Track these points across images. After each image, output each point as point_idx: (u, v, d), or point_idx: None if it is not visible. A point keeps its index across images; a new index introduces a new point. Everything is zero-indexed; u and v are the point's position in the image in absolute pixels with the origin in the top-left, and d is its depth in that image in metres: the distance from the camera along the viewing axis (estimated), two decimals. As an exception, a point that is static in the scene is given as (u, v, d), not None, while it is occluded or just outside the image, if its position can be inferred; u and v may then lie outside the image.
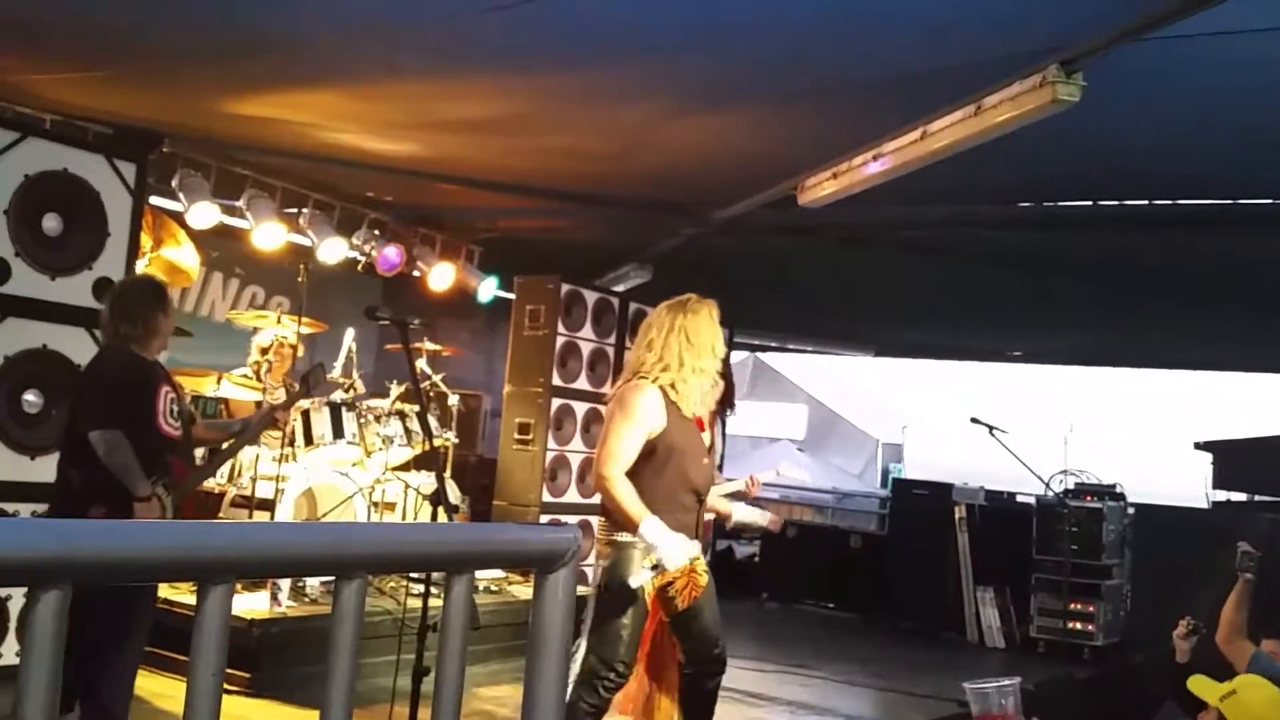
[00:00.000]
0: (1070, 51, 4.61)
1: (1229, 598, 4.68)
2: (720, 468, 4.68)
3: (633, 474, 4.04)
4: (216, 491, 6.98)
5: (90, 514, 4.10)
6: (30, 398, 5.33)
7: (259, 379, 7.40)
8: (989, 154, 5.43)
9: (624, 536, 4.04)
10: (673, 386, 4.10)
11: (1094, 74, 4.65)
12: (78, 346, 5.46)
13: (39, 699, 1.32)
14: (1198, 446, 9.53)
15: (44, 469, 5.34)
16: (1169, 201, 6.91)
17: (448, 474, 7.78)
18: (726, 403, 6.61)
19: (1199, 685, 4.35)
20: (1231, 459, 9.37)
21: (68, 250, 5.46)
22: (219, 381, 7.16)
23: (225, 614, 1.52)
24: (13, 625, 5.18)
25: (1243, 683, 4.25)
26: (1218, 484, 9.29)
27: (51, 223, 5.39)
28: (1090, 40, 4.52)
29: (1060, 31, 4.56)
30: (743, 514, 4.47)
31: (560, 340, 8.47)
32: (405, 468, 7.66)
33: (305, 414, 7.13)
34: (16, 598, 5.12)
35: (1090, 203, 7.14)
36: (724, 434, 9.84)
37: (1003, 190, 7.02)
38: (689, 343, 4.11)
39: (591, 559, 4.24)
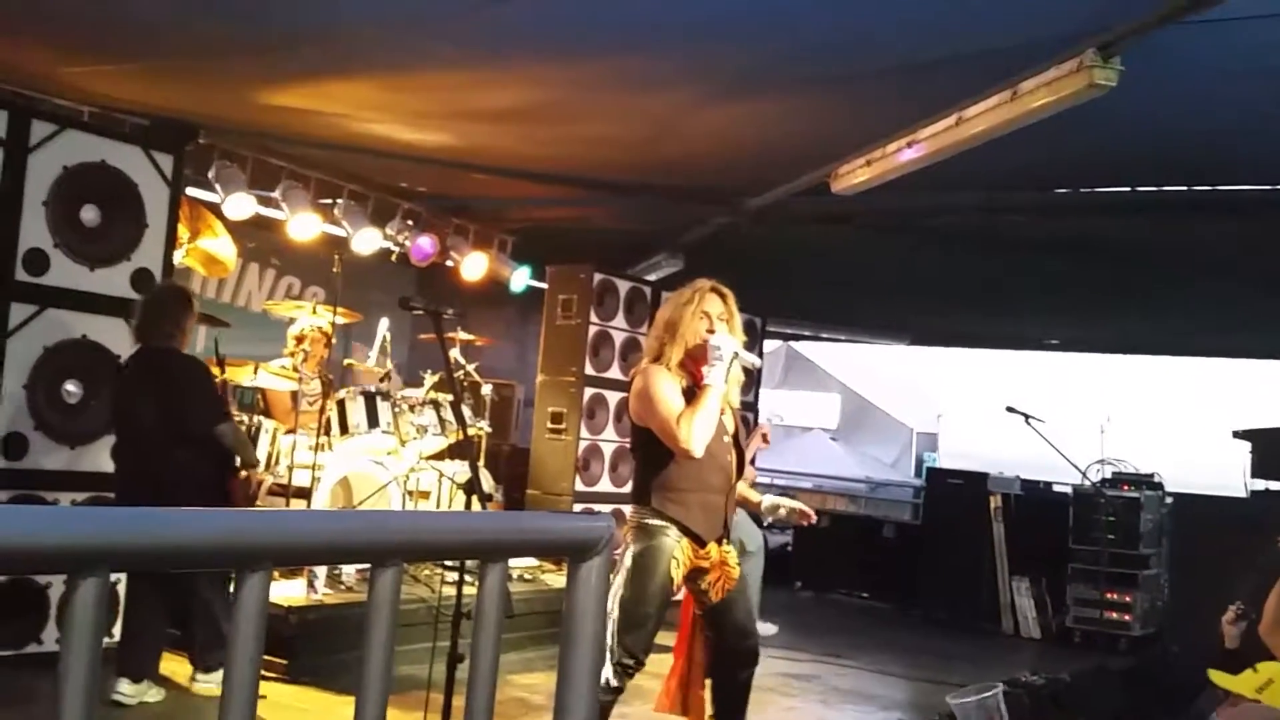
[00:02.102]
0: (1108, 35, 4.56)
1: (1273, 589, 4.61)
2: (752, 460, 4.77)
3: (656, 457, 4.05)
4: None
5: (234, 488, 5.15)
6: (70, 388, 5.39)
7: (295, 369, 7.45)
8: (1025, 140, 5.38)
9: (654, 521, 4.03)
10: (671, 367, 4.12)
11: (1132, 58, 4.60)
12: (117, 337, 5.52)
13: (79, 685, 1.34)
14: (1236, 435, 9.41)
15: (83, 458, 5.41)
16: (1208, 187, 6.82)
17: (481, 463, 7.81)
18: None
19: (1222, 679, 4.30)
20: (1271, 448, 9.24)
21: (106, 241, 5.51)
22: (255, 371, 7.21)
23: (263, 601, 1.53)
24: (53, 612, 5.25)
25: (1276, 672, 4.20)
26: (1257, 473, 9.16)
27: (90, 214, 5.44)
28: (1128, 24, 4.46)
29: (1097, 15, 4.51)
30: (772, 501, 4.46)
31: (593, 329, 8.47)
32: (439, 457, 7.69)
33: (341, 403, 7.17)
34: (56, 585, 5.18)
35: (1128, 189, 7.06)
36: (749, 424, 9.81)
37: (1039, 176, 6.95)
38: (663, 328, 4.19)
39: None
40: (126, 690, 4.89)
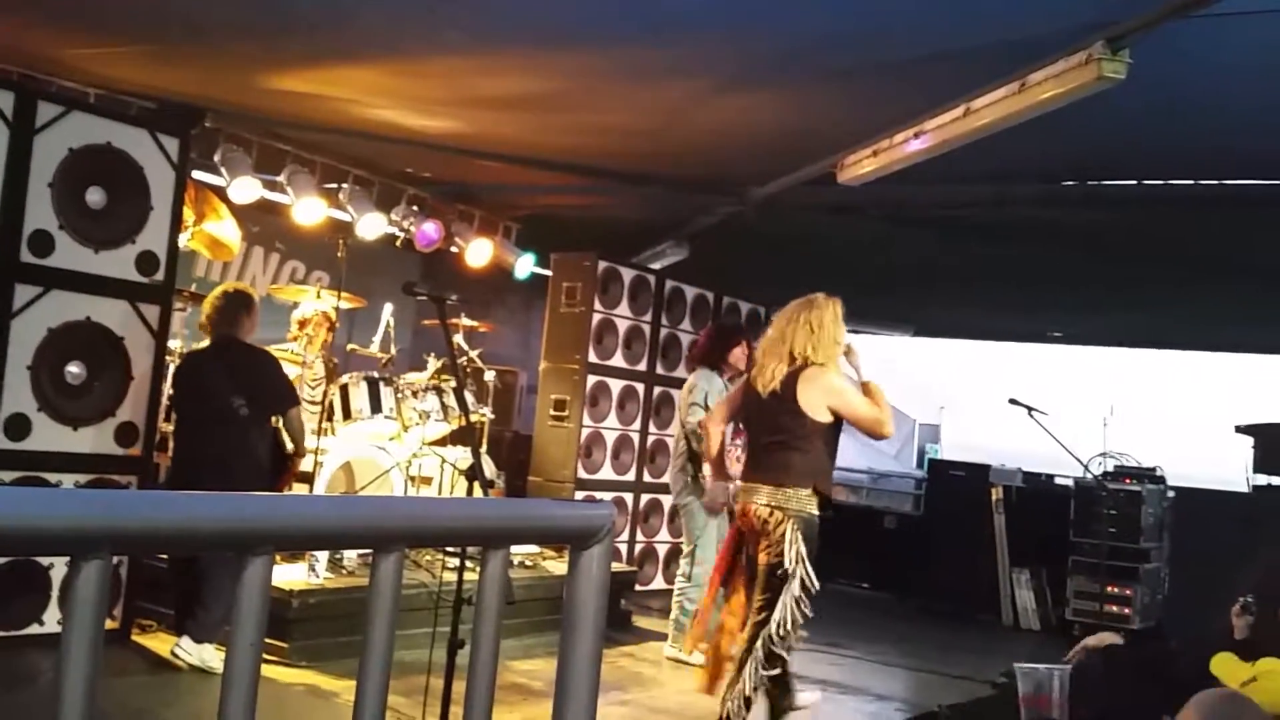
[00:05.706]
0: (1117, 28, 4.55)
1: None
2: None
3: (825, 443, 4.68)
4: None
5: (291, 470, 5.82)
6: (73, 369, 5.39)
7: (299, 353, 7.44)
8: (1032, 132, 5.36)
9: (810, 510, 4.64)
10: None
11: (1141, 51, 4.58)
12: (121, 319, 5.52)
13: (81, 667, 1.34)
14: (1239, 430, 9.39)
15: (86, 440, 5.42)
16: (1215, 181, 6.81)
17: (484, 449, 7.82)
18: None
19: (1222, 666, 4.32)
20: (1274, 443, 9.22)
21: (111, 223, 5.50)
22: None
23: (265, 585, 1.54)
24: (55, 594, 5.26)
25: (1262, 669, 4.21)
26: (1259, 468, 9.15)
27: (95, 196, 5.43)
28: (1137, 17, 4.45)
29: (1106, 8, 4.50)
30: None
31: (596, 317, 8.47)
32: (442, 443, 7.69)
33: (344, 388, 7.17)
34: (58, 566, 5.19)
35: (1134, 182, 7.04)
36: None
37: (1046, 169, 6.93)
38: (813, 334, 4.68)
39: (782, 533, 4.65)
40: (188, 649, 5.25)
